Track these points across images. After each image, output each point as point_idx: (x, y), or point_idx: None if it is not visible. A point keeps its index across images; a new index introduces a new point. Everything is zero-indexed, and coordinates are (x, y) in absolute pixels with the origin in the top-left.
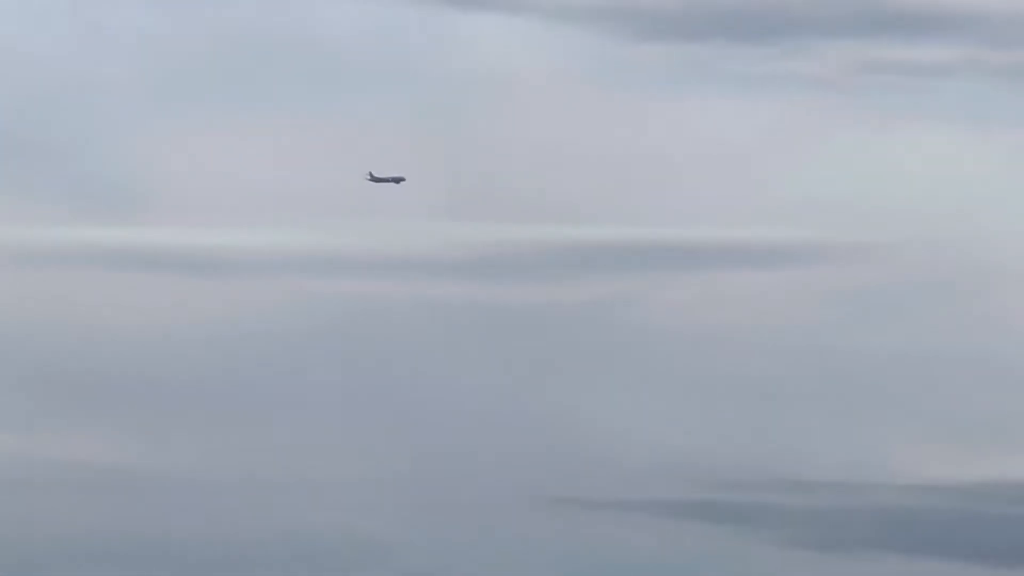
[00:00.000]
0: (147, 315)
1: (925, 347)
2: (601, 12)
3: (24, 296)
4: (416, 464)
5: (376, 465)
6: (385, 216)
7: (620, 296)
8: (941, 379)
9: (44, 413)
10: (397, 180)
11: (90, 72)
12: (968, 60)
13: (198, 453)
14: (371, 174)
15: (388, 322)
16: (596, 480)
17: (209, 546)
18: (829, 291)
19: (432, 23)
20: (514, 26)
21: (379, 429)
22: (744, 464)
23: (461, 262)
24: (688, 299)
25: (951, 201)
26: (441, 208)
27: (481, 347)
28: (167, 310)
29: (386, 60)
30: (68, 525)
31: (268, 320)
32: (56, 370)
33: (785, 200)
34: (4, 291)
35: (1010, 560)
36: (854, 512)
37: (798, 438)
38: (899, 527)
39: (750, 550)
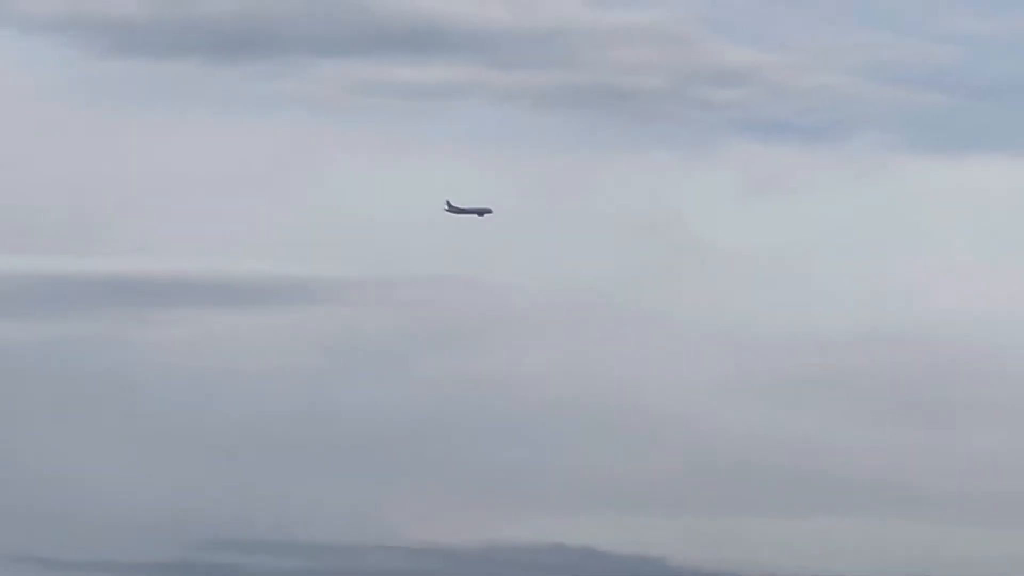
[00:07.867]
0: None
1: (427, 400)
2: (66, 24)
3: None
4: None
5: None
6: None
7: (92, 335)
8: (443, 436)
9: None
10: (481, 212)
11: None
12: (474, 82)
13: None
14: (449, 204)
15: None
16: (58, 537)
17: None
18: (324, 333)
19: None
20: None
21: None
22: (228, 522)
23: None
24: (170, 340)
25: (471, 234)
26: None
27: None
28: None
29: None
30: None
31: None
32: None
33: (275, 233)
34: None
35: None
36: None
37: (288, 495)
38: None
39: None
